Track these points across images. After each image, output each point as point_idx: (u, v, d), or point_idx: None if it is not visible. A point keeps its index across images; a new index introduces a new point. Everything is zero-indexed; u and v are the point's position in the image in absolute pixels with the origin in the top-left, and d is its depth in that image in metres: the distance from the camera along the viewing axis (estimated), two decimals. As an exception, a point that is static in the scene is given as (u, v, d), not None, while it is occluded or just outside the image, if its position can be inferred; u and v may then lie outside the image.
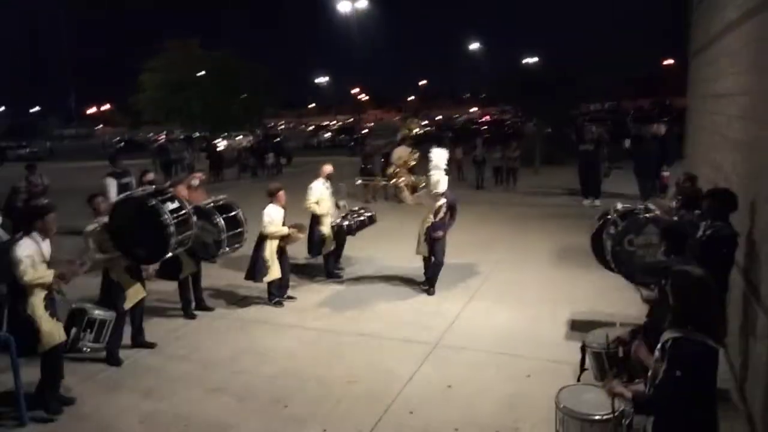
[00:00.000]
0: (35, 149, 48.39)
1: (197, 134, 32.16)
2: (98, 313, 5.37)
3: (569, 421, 3.34)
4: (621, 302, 6.11)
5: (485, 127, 40.98)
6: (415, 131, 11.49)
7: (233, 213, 6.76)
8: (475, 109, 75.68)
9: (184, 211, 5.61)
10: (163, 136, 55.00)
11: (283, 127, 69.64)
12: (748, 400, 4.11)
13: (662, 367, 2.62)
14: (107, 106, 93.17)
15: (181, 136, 39.04)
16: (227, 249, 6.63)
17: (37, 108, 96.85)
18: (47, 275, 4.57)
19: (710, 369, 2.66)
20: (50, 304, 4.72)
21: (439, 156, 7.40)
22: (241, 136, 36.01)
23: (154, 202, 5.39)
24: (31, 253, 4.50)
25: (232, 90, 27.80)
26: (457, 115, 66.35)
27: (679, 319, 2.66)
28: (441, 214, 7.13)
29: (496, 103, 55.82)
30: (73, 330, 5.10)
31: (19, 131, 68.00)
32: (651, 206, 5.09)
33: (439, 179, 7.12)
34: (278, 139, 32.55)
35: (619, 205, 5.27)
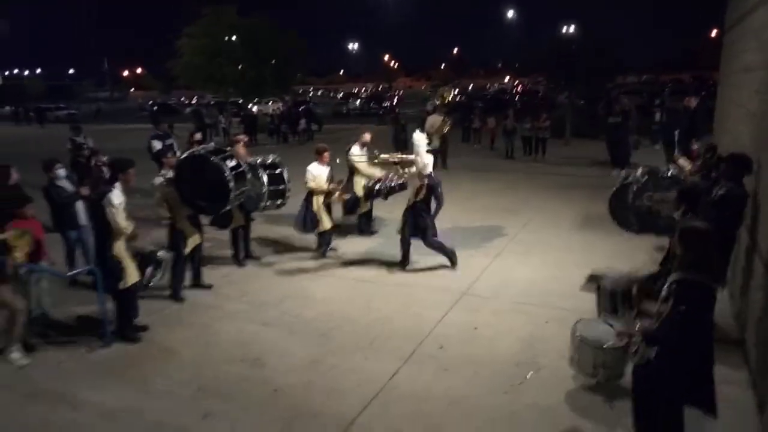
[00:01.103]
0: (73, 111, 49.95)
1: (230, 100, 32.87)
2: (162, 253, 6.10)
3: (583, 347, 3.86)
4: (637, 263, 6.56)
5: (517, 97, 40.64)
6: (448, 99, 11.80)
7: (278, 170, 7.36)
8: (507, 79, 74.63)
9: (241, 168, 6.22)
10: (195, 101, 56.11)
11: (311, 94, 69.88)
12: (746, 340, 4.60)
13: (669, 304, 3.12)
14: (139, 70, 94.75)
15: (212, 102, 39.86)
16: (268, 203, 7.22)
17: (71, 71, 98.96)
18: (129, 227, 5.26)
19: (709, 305, 3.16)
20: (128, 247, 5.46)
21: (420, 139, 7.48)
22: (271, 102, 36.63)
23: (216, 160, 6.00)
24: (123, 200, 5.19)
25: (264, 56, 28.20)
26: (488, 85, 65.63)
27: (684, 265, 3.16)
28: (422, 195, 7.05)
29: (529, 74, 55.09)
30: (148, 269, 5.81)
31: (56, 93, 69.88)
32: (671, 168, 5.49)
33: (428, 162, 7.18)
34: (306, 106, 33.00)
35: (641, 169, 5.68)
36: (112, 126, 33.17)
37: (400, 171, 7.85)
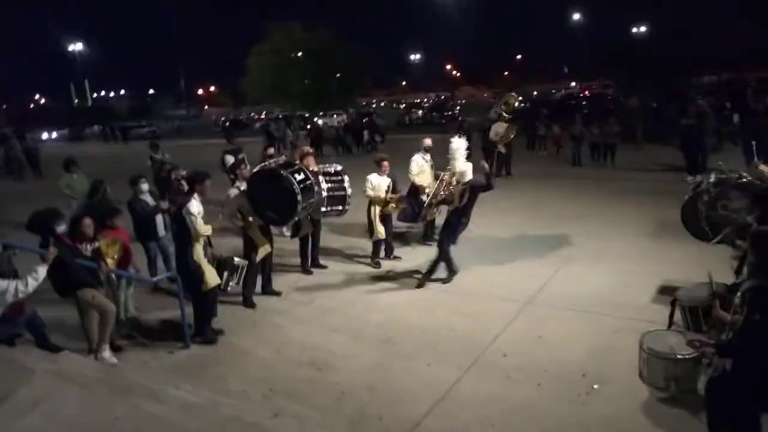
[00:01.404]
0: (154, 128, 53.27)
1: (297, 113, 34.02)
2: (238, 260, 6.45)
3: (653, 360, 3.75)
4: (711, 273, 6.24)
5: (584, 102, 39.48)
6: (513, 106, 11.72)
7: (339, 177, 7.54)
8: (574, 83, 72.54)
9: (309, 182, 6.49)
10: (264, 116, 58.42)
11: (375, 105, 70.82)
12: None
13: (743, 313, 3.02)
14: (212, 88, 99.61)
15: (280, 116, 41.40)
16: (329, 209, 7.36)
17: (151, 91, 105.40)
18: (209, 228, 5.65)
19: None
20: (205, 253, 5.84)
21: (458, 146, 7.33)
22: (335, 115, 37.59)
23: (285, 173, 6.30)
24: (201, 210, 5.58)
25: (329, 70, 29.04)
26: (554, 90, 64.03)
27: (757, 271, 3.05)
28: (465, 199, 6.91)
29: (597, 77, 53.34)
30: (225, 274, 6.16)
31: (138, 112, 74.74)
32: (744, 174, 5.23)
33: (465, 170, 7.06)
34: (368, 117, 33.53)
35: (713, 176, 5.45)
36: (189, 142, 35.05)
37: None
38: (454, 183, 7.27)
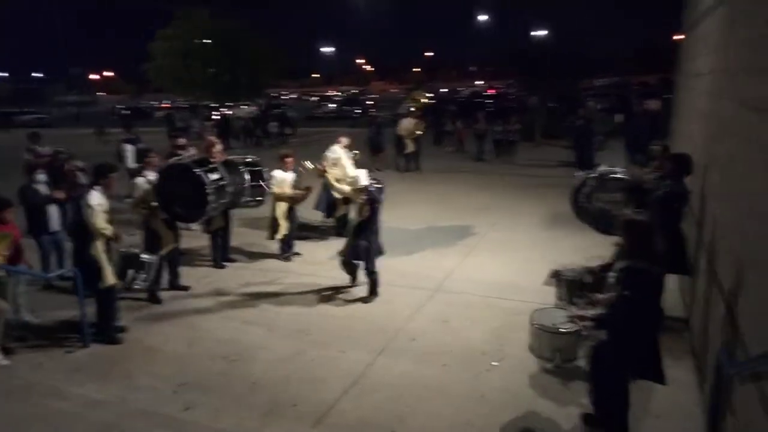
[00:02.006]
0: (42, 115, 48.91)
1: (203, 103, 32.73)
2: (146, 256, 6.20)
3: (541, 334, 4.17)
4: (597, 260, 6.91)
5: (489, 100, 41.38)
6: (422, 102, 12.07)
7: (257, 168, 7.51)
8: (480, 82, 75.66)
9: (223, 182, 6.39)
10: (165, 104, 55.53)
11: (285, 97, 69.73)
12: (691, 323, 4.97)
13: (616, 290, 3.44)
14: (110, 74, 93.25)
15: (185, 105, 39.60)
16: (248, 199, 7.35)
17: (39, 74, 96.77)
18: (109, 229, 5.39)
19: (653, 289, 3.47)
20: (108, 250, 5.57)
21: (339, 153, 7.28)
22: (245, 106, 36.61)
23: (199, 172, 6.15)
24: (100, 202, 5.31)
25: (238, 60, 28.22)
26: (462, 88, 66.44)
27: (628, 254, 3.48)
28: (366, 212, 6.29)
29: (501, 77, 56.04)
30: (130, 271, 5.90)
31: (22, 97, 68.16)
32: (621, 170, 5.87)
33: (357, 174, 6.56)
34: (280, 109, 33.03)
35: (595, 172, 6.06)
36: (85, 131, 32.63)
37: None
38: (348, 190, 6.73)
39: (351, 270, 6.69)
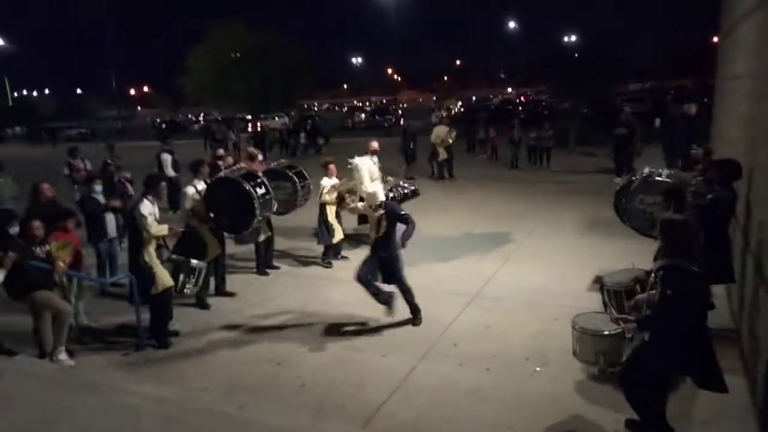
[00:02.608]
0: (84, 129, 50.89)
1: (238, 116, 33.52)
2: (195, 262, 6.46)
3: (583, 337, 4.20)
4: (639, 265, 6.87)
5: (520, 107, 41.10)
6: (454, 111, 12.13)
7: (298, 169, 7.88)
8: (510, 89, 75.20)
9: (269, 196, 6.65)
10: (201, 118, 57.07)
11: (317, 108, 70.70)
12: (740, 329, 4.92)
13: (657, 290, 3.47)
14: (145, 89, 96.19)
15: (219, 118, 40.60)
16: (301, 201, 7.70)
17: (79, 90, 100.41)
18: (164, 229, 5.68)
19: (695, 289, 3.48)
20: (159, 255, 5.85)
21: (361, 164, 6.88)
22: (276, 118, 37.34)
23: (248, 187, 6.39)
24: (152, 211, 5.60)
25: (271, 71, 28.82)
26: (492, 96, 66.18)
27: (666, 252, 3.52)
28: (383, 229, 5.93)
29: (532, 84, 55.61)
30: (181, 276, 6.16)
31: (66, 112, 70.93)
32: (665, 173, 5.86)
33: (375, 190, 6.24)
34: (312, 120, 33.59)
35: (637, 176, 6.05)
36: (127, 144, 33.79)
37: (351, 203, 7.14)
38: (362, 206, 6.40)
39: (377, 294, 6.00)
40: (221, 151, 9.69)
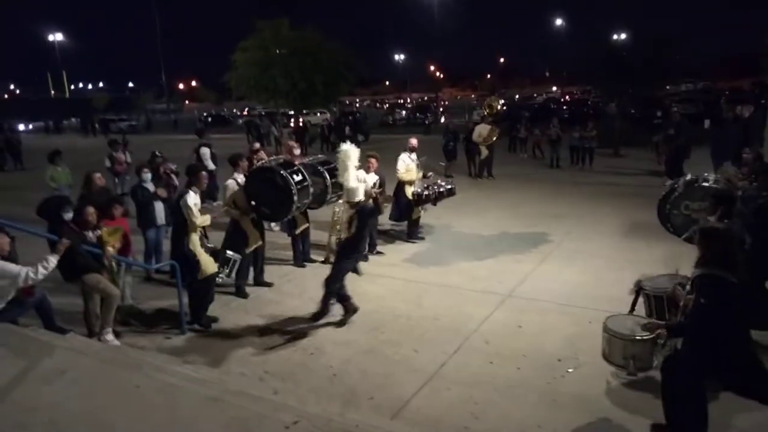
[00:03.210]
0: (133, 122, 52.88)
1: (281, 111, 34.05)
2: (230, 253, 6.68)
3: (614, 341, 4.16)
4: (681, 270, 6.70)
5: (565, 107, 40.30)
6: (497, 109, 12.04)
7: (332, 165, 7.87)
8: (555, 88, 73.78)
9: (306, 183, 6.78)
10: (246, 112, 58.29)
11: (358, 104, 71.12)
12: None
13: (692, 297, 3.42)
14: (193, 83, 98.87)
15: (263, 113, 41.34)
16: (332, 196, 7.72)
17: (131, 84, 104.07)
18: (207, 219, 5.91)
19: (731, 299, 3.40)
20: (203, 243, 6.09)
21: (351, 154, 6.38)
22: (318, 113, 37.77)
23: (285, 174, 6.56)
24: (196, 202, 5.83)
25: (314, 69, 29.13)
26: (536, 94, 65.09)
27: (704, 261, 3.46)
28: (353, 228, 5.85)
29: (578, 82, 54.40)
30: (216, 266, 6.39)
31: (117, 105, 73.75)
32: (712, 178, 5.69)
33: (354, 188, 5.96)
34: (353, 116, 33.85)
35: (685, 178, 5.91)
36: (172, 137, 34.97)
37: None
38: (342, 207, 6.10)
39: (340, 299, 5.98)
40: (257, 145, 9.92)
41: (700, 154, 14.59)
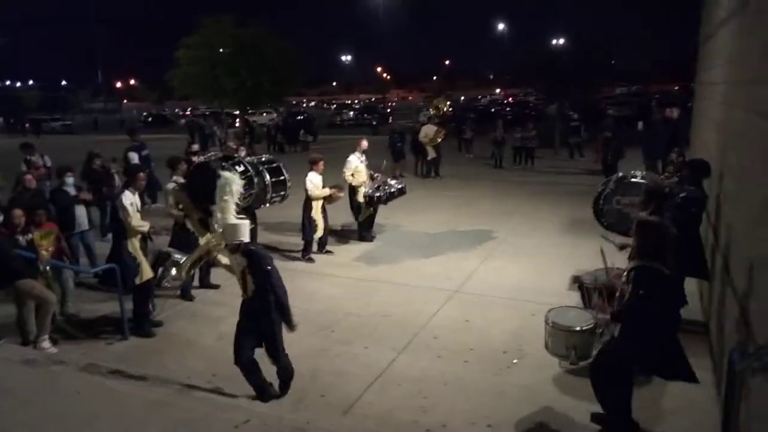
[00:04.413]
0: (68, 122, 50.43)
1: (225, 111, 33.34)
2: (178, 256, 6.49)
3: (556, 333, 4.34)
4: (617, 264, 7.05)
5: (508, 108, 41.42)
6: (443, 110, 12.22)
7: (275, 164, 7.77)
8: (498, 90, 75.68)
9: (249, 173, 6.68)
10: (189, 112, 56.66)
11: (305, 105, 70.57)
12: (709, 325, 5.10)
13: (628, 289, 3.61)
14: (132, 82, 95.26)
15: (207, 112, 40.34)
16: (274, 195, 7.58)
17: (64, 82, 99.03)
18: (145, 226, 5.72)
19: (665, 289, 3.62)
20: (144, 246, 5.90)
21: (229, 184, 5.44)
22: (265, 114, 37.25)
23: (225, 166, 6.45)
24: (133, 201, 5.64)
25: (261, 67, 28.69)
26: (480, 96, 66.54)
27: (639, 253, 3.66)
28: (250, 286, 4.44)
29: (520, 85, 55.99)
30: (160, 269, 6.20)
31: (50, 105, 70.03)
32: (640, 174, 6.04)
33: (236, 223, 4.43)
34: (302, 117, 33.58)
35: (617, 175, 6.23)
36: (108, 137, 33.52)
37: None
38: (213, 243, 4.97)
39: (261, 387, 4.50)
40: (196, 147, 9.62)
41: (636, 154, 15.42)
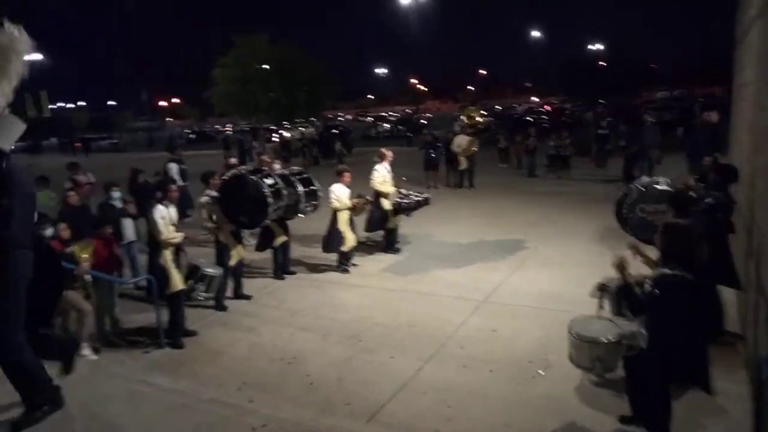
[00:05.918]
0: (114, 140, 52.60)
1: (263, 126, 34.17)
2: (209, 270, 6.71)
3: (579, 344, 4.27)
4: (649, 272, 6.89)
5: (544, 116, 40.90)
6: (476, 119, 12.23)
7: (305, 175, 8.03)
8: (535, 98, 74.77)
9: (278, 185, 6.87)
10: (229, 128, 58.23)
11: (341, 118, 71.43)
12: (745, 336, 4.93)
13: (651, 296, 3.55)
14: (174, 100, 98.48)
15: (246, 128, 41.40)
16: (307, 206, 7.80)
17: (112, 102, 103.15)
18: (177, 237, 5.94)
19: (688, 295, 3.52)
20: (177, 259, 6.12)
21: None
22: (303, 128, 37.97)
23: (255, 178, 6.66)
24: (164, 215, 5.87)
25: (295, 83, 29.37)
26: (516, 105, 65.94)
27: (665, 259, 3.59)
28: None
29: (557, 92, 55.27)
30: (190, 282, 6.42)
31: (98, 124, 73.20)
32: (663, 180, 5.90)
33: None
34: (337, 130, 34.06)
35: (639, 182, 6.11)
36: (158, 154, 34.78)
37: None
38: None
39: None
40: (233, 160, 9.93)
41: (675, 159, 15.00)
